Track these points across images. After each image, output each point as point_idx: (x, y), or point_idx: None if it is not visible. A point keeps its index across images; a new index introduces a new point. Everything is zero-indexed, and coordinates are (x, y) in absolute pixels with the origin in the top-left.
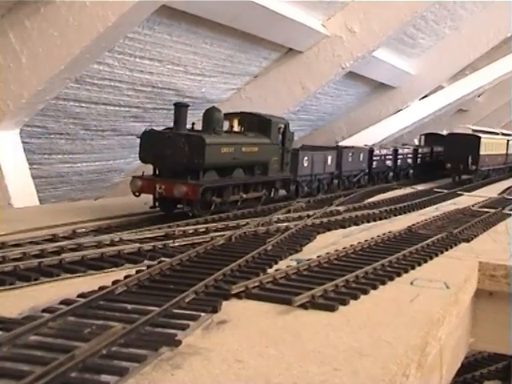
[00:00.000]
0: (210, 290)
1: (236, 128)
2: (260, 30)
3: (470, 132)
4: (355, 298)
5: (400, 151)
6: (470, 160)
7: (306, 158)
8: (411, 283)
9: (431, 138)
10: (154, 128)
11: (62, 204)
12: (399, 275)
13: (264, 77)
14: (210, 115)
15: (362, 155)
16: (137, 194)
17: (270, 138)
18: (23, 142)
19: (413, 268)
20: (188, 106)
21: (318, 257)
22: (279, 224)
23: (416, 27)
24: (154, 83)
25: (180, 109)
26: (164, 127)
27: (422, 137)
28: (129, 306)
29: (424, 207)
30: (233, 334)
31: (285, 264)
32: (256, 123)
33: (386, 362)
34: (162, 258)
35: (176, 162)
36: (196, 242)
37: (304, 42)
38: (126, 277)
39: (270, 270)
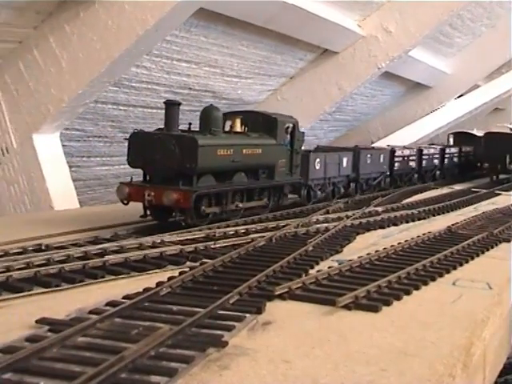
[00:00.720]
0: (253, 291)
1: (238, 128)
2: (296, 31)
3: (508, 131)
4: (398, 298)
5: (425, 151)
6: (508, 159)
7: (318, 160)
8: (453, 283)
9: (461, 137)
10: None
11: (101, 206)
12: (441, 275)
13: (300, 78)
14: (207, 114)
15: (382, 156)
16: (125, 201)
17: (276, 138)
18: (62, 145)
19: (454, 268)
20: (180, 104)
21: (359, 257)
22: (318, 225)
23: (452, 26)
24: (191, 85)
25: (171, 107)
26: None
27: (451, 136)
28: (174, 308)
29: (462, 207)
30: (278, 335)
31: (326, 265)
32: (260, 123)
33: (432, 362)
34: (204, 260)
35: (166, 166)
36: (236, 243)
37: (340, 42)
38: (169, 278)
39: (311, 271)
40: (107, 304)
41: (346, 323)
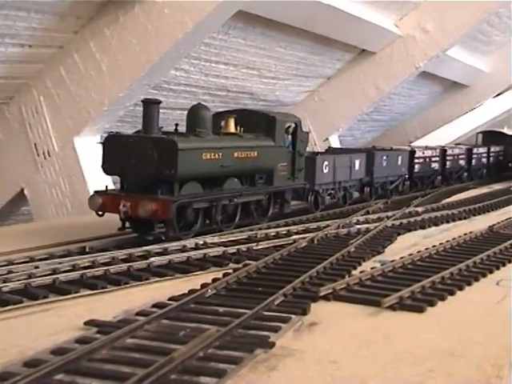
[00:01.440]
0: (297, 292)
1: (232, 129)
2: (333, 31)
3: None
4: (442, 298)
5: (449, 152)
6: None
7: (326, 163)
8: (497, 284)
9: (490, 137)
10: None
11: None
12: (484, 276)
13: (337, 78)
14: (193, 114)
15: (400, 158)
16: (99, 213)
17: (275, 139)
18: None
19: (497, 268)
20: (159, 102)
21: (402, 258)
22: (359, 225)
23: (490, 24)
24: (229, 87)
25: (149, 106)
26: None
27: (480, 135)
28: (220, 309)
29: (502, 207)
30: (324, 336)
31: (368, 266)
32: (257, 123)
33: (480, 363)
34: (247, 261)
35: (143, 172)
36: (278, 244)
37: (377, 42)
38: (213, 280)
39: (354, 272)
40: (153, 306)
41: (392, 324)
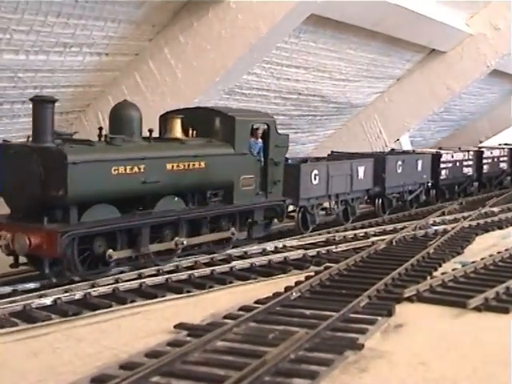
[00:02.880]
0: (381, 294)
1: (178, 133)
2: (403, 32)
3: None
4: None
5: (487, 154)
6: None
7: (315, 172)
8: None
9: None
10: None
11: None
12: None
13: (407, 79)
14: (115, 116)
15: (420, 163)
16: None
17: (235, 145)
18: None
19: None
20: (54, 101)
21: (482, 259)
22: (436, 227)
23: None
24: (300, 90)
25: (39, 106)
26: (308, 134)
27: None
28: (306, 312)
29: None
30: (411, 338)
31: (449, 267)
32: (213, 124)
33: None
34: (328, 264)
35: (27, 193)
36: (357, 246)
37: (447, 41)
38: (297, 283)
39: (435, 273)
40: (240, 309)
41: (478, 325)
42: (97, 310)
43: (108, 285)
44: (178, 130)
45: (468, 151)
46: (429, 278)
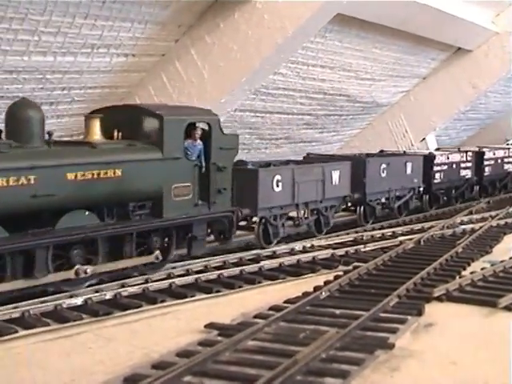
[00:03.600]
0: (411, 293)
1: (97, 135)
2: (429, 31)
3: None
4: None
5: (489, 155)
6: None
7: (277, 178)
8: None
9: None
10: None
11: None
12: None
13: (433, 78)
14: (11, 116)
15: (410, 166)
16: None
17: (163, 148)
18: None
19: None
20: None
21: (511, 258)
22: (464, 226)
23: None
24: (326, 90)
25: None
26: (334, 133)
27: None
28: (337, 311)
29: None
30: (441, 337)
31: (477, 266)
32: (139, 125)
33: None
34: (356, 263)
35: None
36: (385, 245)
37: (473, 40)
38: (326, 282)
39: (464, 273)
40: (270, 308)
41: (509, 324)
42: (127, 310)
43: (138, 285)
44: (96, 133)
45: (466, 152)
46: (458, 277)
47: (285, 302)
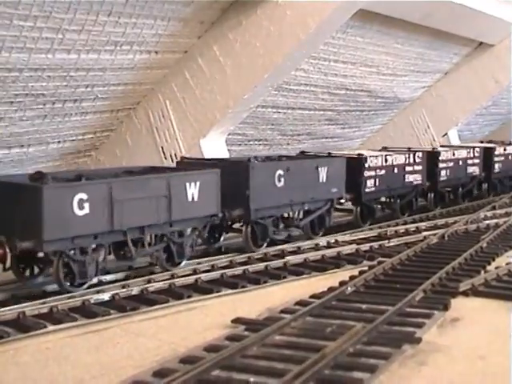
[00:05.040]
0: (436, 288)
1: None
2: (452, 26)
3: None
4: None
5: (499, 151)
6: None
7: (79, 197)
8: None
9: None
10: None
11: None
12: None
13: (455, 73)
14: None
15: (325, 171)
16: None
17: None
18: None
19: None
20: None
21: None
22: (488, 221)
23: None
24: (348, 85)
25: None
26: (355, 129)
27: None
28: (363, 306)
29: None
30: (468, 331)
31: (502, 261)
32: None
33: None
34: (381, 258)
35: None
36: (409, 241)
37: (496, 34)
38: (351, 277)
39: (489, 268)
40: (296, 303)
41: None
42: (154, 306)
43: (164, 280)
44: None
45: (473, 148)
46: (483, 272)
47: (310, 296)
